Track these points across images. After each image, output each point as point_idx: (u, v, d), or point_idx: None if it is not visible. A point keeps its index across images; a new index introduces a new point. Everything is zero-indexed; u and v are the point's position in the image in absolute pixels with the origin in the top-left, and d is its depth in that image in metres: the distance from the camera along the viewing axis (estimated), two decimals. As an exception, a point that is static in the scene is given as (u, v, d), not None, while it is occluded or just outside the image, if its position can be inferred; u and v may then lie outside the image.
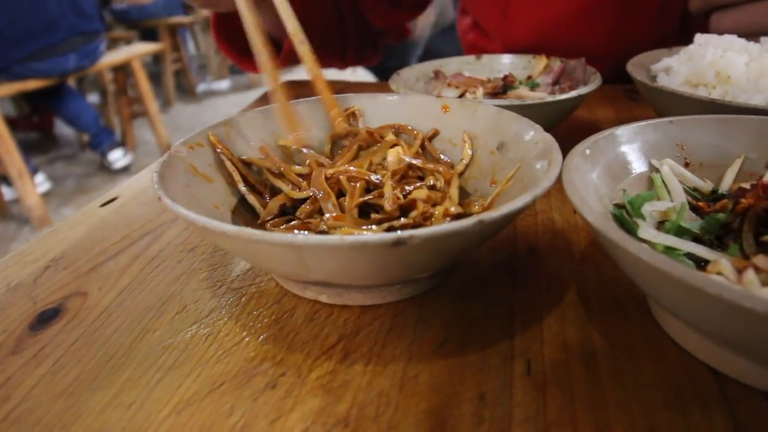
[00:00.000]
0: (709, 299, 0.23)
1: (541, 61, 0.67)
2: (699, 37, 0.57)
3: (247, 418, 0.27)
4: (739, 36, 0.59)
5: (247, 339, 0.33)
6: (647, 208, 0.34)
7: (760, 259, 0.29)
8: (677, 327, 0.31)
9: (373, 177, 0.39)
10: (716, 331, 0.26)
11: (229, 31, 0.80)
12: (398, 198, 0.36)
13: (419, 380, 0.29)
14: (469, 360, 0.31)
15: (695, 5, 0.71)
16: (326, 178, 0.38)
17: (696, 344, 0.30)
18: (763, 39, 0.58)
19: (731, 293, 0.22)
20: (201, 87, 4.77)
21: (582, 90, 0.51)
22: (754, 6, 0.67)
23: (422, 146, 0.46)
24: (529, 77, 0.66)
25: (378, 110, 0.50)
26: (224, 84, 4.82)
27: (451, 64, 0.71)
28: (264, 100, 0.85)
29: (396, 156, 0.43)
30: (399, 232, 0.26)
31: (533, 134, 0.40)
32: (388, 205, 0.34)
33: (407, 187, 0.39)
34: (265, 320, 0.34)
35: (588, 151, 0.36)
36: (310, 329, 0.33)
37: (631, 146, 0.39)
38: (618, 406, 0.27)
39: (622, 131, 0.39)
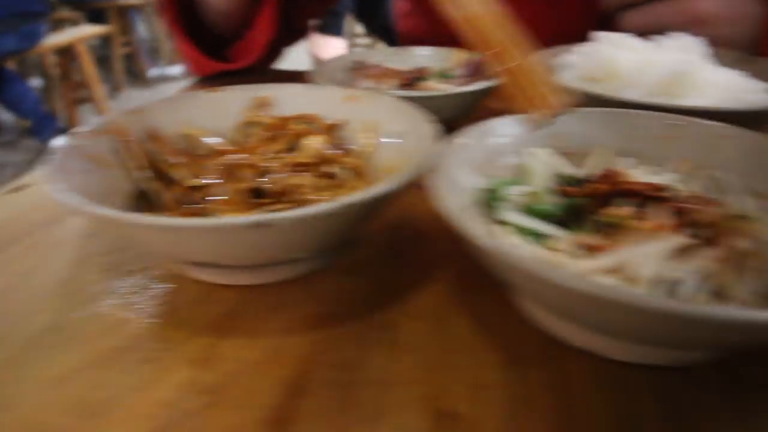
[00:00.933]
0: (523, 273, 0.26)
1: (459, 54, 0.70)
2: (595, 35, 0.61)
3: (118, 390, 0.29)
4: (645, 33, 0.63)
5: (132, 318, 0.34)
6: (509, 192, 0.37)
7: (587, 237, 0.33)
8: (523, 300, 0.35)
9: (269, 164, 0.41)
10: (540, 301, 0.29)
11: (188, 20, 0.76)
12: (285, 183, 0.38)
13: (288, 352, 0.32)
14: (338, 332, 0.33)
15: (608, 3, 0.76)
16: (222, 165, 0.40)
17: (534, 311, 0.34)
18: (659, 37, 0.63)
19: (533, 266, 0.25)
20: (152, 72, 4.64)
21: (482, 84, 0.54)
22: (659, 6, 0.72)
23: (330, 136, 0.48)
24: (446, 70, 0.68)
25: (288, 100, 0.51)
26: (177, 69, 4.70)
27: (375, 56, 0.73)
28: (192, 87, 0.85)
29: (314, 145, 0.44)
30: (268, 215, 0.28)
31: (423, 125, 0.42)
32: (270, 186, 0.36)
33: (301, 174, 0.41)
34: (153, 300, 0.36)
35: (464, 141, 0.39)
36: (195, 308, 0.35)
37: (507, 136, 0.42)
38: (459, 367, 0.31)
39: (499, 122, 0.42)
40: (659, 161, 0.42)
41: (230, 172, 0.39)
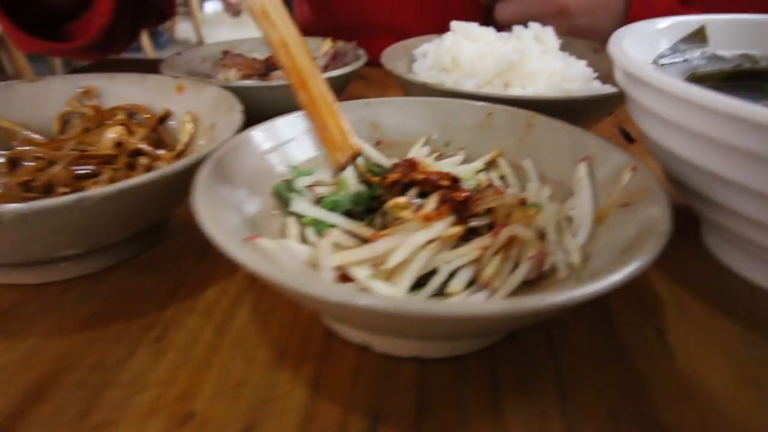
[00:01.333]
0: (263, 277, 0.25)
1: (326, 44, 0.69)
2: (452, 24, 0.61)
3: None
4: (515, 24, 0.64)
5: None
6: (300, 183, 0.36)
7: (362, 228, 0.33)
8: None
9: (62, 156, 0.39)
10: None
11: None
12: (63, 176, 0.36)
13: (47, 354, 0.30)
14: (111, 332, 0.32)
15: (484, -5, 0.76)
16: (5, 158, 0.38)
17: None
18: (517, 28, 0.63)
19: (269, 270, 0.24)
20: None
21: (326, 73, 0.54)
22: None
23: (154, 128, 0.47)
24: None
25: (117, 90, 0.50)
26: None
27: (245, 45, 0.71)
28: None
29: (112, 136, 0.43)
30: None
31: (235, 115, 0.41)
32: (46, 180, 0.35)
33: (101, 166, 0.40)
34: None
35: (260, 132, 0.38)
36: (-38, 310, 0.33)
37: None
38: (223, 366, 0.30)
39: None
40: (475, 150, 0.43)
41: (11, 165, 0.37)
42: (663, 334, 0.33)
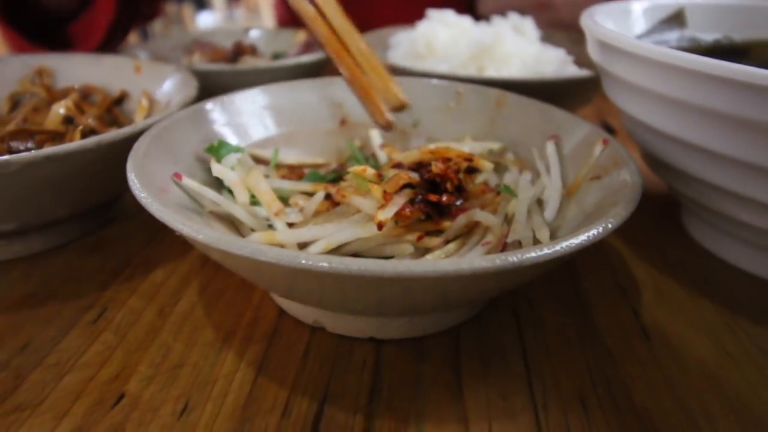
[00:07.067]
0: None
1: (300, 34, 0.67)
2: (427, 12, 0.59)
3: None
4: (500, 14, 0.63)
5: None
6: (228, 155, 0.34)
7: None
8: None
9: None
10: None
11: None
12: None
13: (-27, 335, 0.28)
14: (42, 312, 0.30)
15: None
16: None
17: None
18: (495, 17, 0.62)
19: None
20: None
21: (289, 60, 0.52)
22: None
23: (109, 109, 0.44)
24: (281, 50, 0.66)
25: (73, 71, 0.47)
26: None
27: (217, 36, 0.70)
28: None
29: (60, 112, 0.40)
30: None
31: (190, 91, 0.39)
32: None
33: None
34: None
35: (212, 105, 0.36)
36: None
37: (283, 102, 0.40)
38: (163, 346, 0.27)
39: (273, 88, 0.39)
40: (445, 131, 0.41)
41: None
42: (639, 315, 0.31)
